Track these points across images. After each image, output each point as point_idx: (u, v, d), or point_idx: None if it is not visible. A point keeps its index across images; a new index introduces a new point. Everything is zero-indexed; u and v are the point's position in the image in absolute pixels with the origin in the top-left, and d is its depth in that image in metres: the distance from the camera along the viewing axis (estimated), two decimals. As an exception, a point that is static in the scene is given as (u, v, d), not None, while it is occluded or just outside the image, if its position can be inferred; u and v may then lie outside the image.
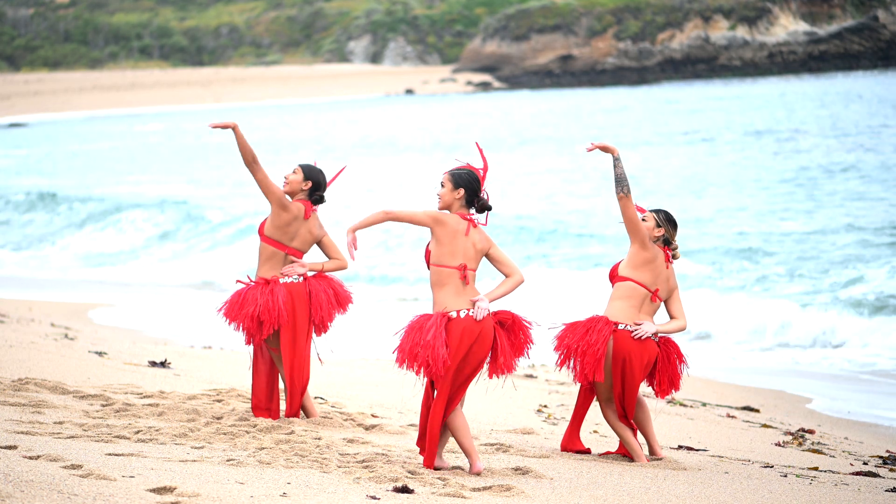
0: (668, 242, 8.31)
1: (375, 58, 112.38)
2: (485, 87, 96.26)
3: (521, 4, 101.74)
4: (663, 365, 8.26)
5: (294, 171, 8.77)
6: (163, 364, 11.45)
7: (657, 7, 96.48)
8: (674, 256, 8.33)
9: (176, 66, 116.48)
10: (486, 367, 7.54)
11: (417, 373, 7.36)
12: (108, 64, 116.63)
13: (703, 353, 15.25)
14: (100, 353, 11.92)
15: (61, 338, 13.18)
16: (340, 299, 8.81)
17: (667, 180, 33.73)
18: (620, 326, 8.14)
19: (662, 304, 8.30)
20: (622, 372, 8.10)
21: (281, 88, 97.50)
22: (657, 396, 8.32)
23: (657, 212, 8.33)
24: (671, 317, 8.30)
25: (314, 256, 9.09)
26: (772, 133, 45.30)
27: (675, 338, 8.53)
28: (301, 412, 8.87)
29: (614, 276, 8.31)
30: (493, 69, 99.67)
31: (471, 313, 7.31)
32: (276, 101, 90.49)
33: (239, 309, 8.66)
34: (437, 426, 7.36)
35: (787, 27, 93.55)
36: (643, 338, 8.11)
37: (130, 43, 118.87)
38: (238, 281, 8.83)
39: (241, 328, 8.69)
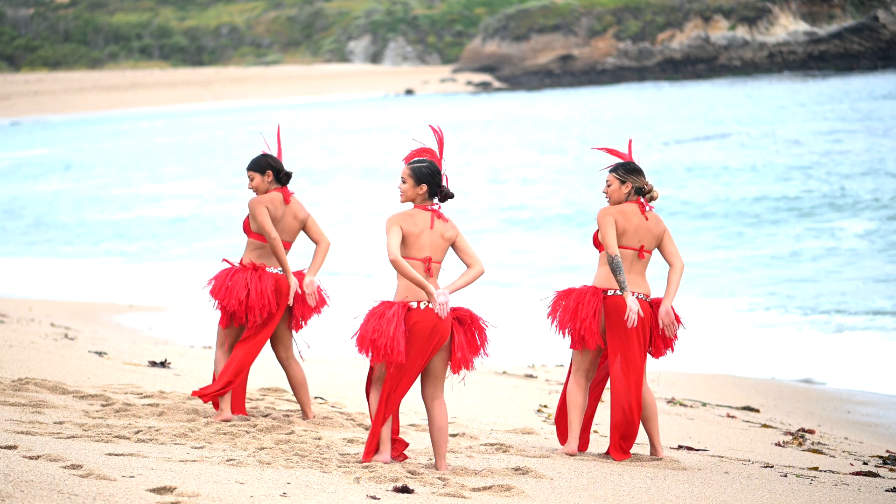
0: (640, 192, 8.16)
1: (375, 58, 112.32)
2: (485, 87, 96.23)
3: (521, 4, 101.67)
4: (656, 324, 8.13)
5: (250, 178, 8.70)
6: (163, 364, 11.45)
7: (657, 7, 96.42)
8: (651, 199, 8.15)
9: (176, 66, 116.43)
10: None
11: (375, 360, 7.35)
12: (108, 64, 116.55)
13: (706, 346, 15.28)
14: (100, 353, 11.92)
15: (61, 338, 13.18)
16: (319, 299, 8.79)
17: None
18: (609, 293, 8.08)
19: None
20: (620, 335, 8.04)
21: (281, 88, 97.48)
22: (653, 357, 8.22)
23: (615, 170, 8.15)
24: (668, 263, 8.16)
25: (299, 244, 9.11)
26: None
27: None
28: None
29: (598, 244, 8.23)
30: (493, 69, 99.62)
31: (431, 305, 7.32)
32: (276, 100, 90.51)
33: (229, 292, 8.60)
34: (381, 416, 7.38)
35: (787, 27, 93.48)
36: (638, 313, 8.03)
37: (130, 43, 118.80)
38: (224, 260, 8.80)
39: (225, 310, 8.65)
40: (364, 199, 35.62)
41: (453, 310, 7.46)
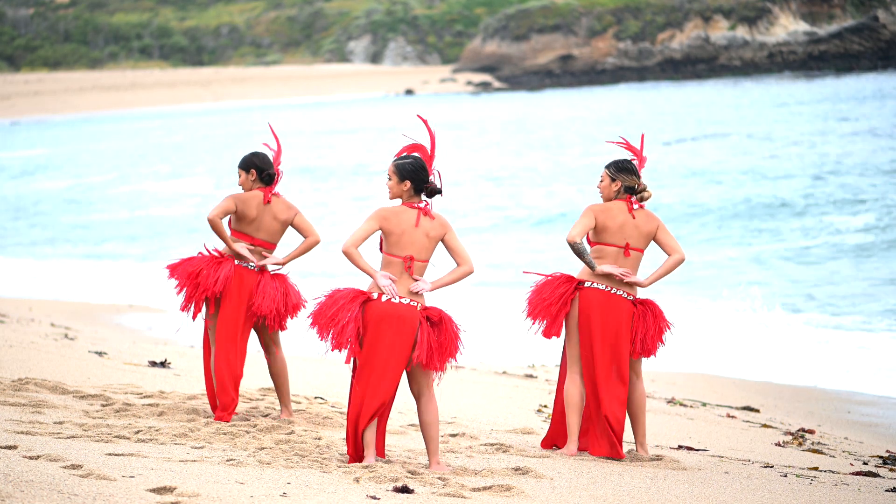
0: (630, 190, 8.14)
1: (375, 58, 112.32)
2: (485, 87, 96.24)
3: (521, 4, 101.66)
4: (638, 324, 8.13)
5: (239, 175, 8.76)
6: (163, 364, 11.46)
7: (657, 7, 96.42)
8: (641, 199, 8.12)
9: (176, 66, 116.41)
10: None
11: (333, 347, 7.32)
12: (108, 64, 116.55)
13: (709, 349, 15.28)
14: (100, 353, 11.92)
15: (61, 338, 13.18)
16: (289, 301, 8.75)
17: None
18: (587, 284, 8.06)
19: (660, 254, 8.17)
20: (589, 330, 8.01)
21: (281, 88, 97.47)
22: (632, 357, 8.20)
23: (608, 167, 8.17)
24: (667, 254, 8.13)
25: (288, 244, 9.11)
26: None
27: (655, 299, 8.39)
28: (237, 404, 8.78)
29: (590, 241, 8.20)
30: (493, 69, 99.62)
31: (393, 300, 7.23)
32: (276, 100, 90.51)
33: (183, 268, 8.70)
34: (353, 416, 7.32)
35: (787, 27, 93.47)
36: (623, 277, 7.99)
37: (130, 43, 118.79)
38: (200, 252, 8.83)
39: (180, 288, 8.71)
40: (364, 199, 35.63)
41: (424, 308, 7.38)
